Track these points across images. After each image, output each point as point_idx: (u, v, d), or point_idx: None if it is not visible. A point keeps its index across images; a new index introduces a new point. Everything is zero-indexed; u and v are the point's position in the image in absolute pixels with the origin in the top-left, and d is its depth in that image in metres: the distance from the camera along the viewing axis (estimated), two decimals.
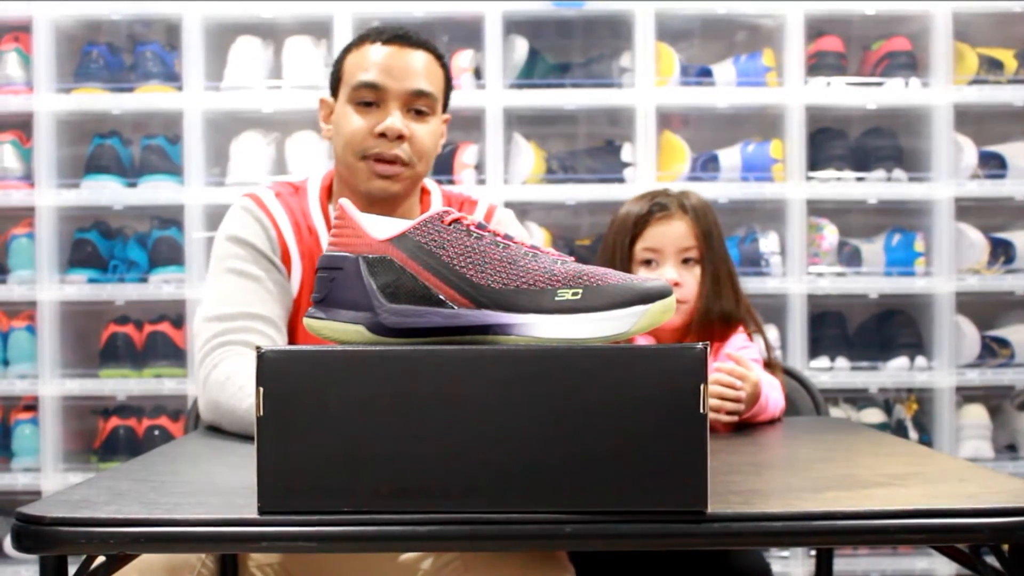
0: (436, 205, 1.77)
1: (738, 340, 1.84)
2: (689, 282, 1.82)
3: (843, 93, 2.88)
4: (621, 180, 2.85)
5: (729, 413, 1.64)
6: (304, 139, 2.90)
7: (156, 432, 2.79)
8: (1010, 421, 2.94)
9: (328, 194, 1.74)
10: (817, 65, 2.90)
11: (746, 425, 1.66)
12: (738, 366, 1.65)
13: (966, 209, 2.88)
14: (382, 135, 1.64)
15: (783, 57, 2.86)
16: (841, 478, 1.13)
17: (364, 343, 1.01)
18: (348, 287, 1.03)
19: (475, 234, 1.02)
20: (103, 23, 2.98)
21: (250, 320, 1.60)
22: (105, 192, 2.84)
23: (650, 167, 2.82)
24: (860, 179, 2.88)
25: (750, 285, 2.70)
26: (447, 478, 0.93)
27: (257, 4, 2.87)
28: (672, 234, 1.83)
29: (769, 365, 1.84)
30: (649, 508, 0.93)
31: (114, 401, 2.85)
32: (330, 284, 1.04)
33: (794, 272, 2.82)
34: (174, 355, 2.83)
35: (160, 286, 2.82)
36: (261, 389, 0.93)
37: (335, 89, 1.73)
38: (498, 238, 1.02)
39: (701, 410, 0.92)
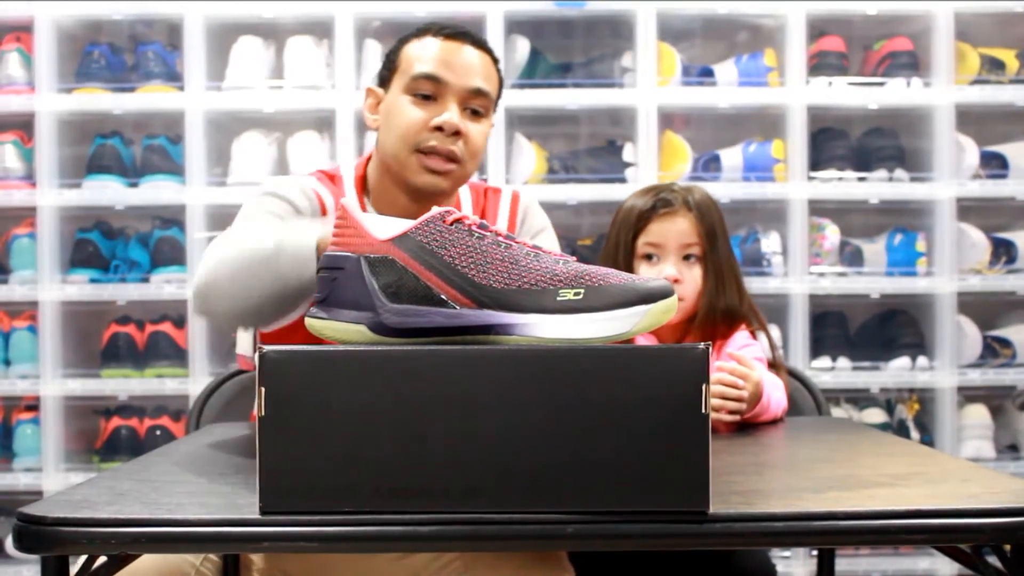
0: (464, 196, 1.75)
1: (740, 338, 1.83)
2: (689, 279, 1.82)
3: (845, 93, 2.88)
4: (623, 180, 2.85)
5: (731, 413, 1.64)
6: (305, 139, 2.89)
7: (158, 432, 2.79)
8: (1012, 421, 2.94)
9: (362, 184, 1.69)
10: (819, 65, 2.90)
11: (748, 425, 1.66)
12: (740, 365, 1.65)
13: (968, 209, 2.88)
14: (438, 128, 1.58)
15: (784, 57, 2.86)
16: (843, 478, 1.13)
17: (366, 343, 1.01)
18: (350, 287, 1.02)
19: (477, 234, 1.02)
20: (104, 23, 2.98)
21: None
22: (107, 192, 2.84)
23: (652, 167, 2.82)
24: (862, 179, 2.87)
25: (752, 285, 2.67)
26: (448, 478, 0.93)
27: (258, 4, 2.87)
28: (675, 230, 1.82)
29: (773, 364, 1.84)
30: (650, 508, 0.93)
31: (116, 401, 2.85)
32: (332, 284, 1.04)
33: (796, 272, 2.82)
34: (176, 355, 2.83)
35: (162, 286, 2.82)
36: (262, 389, 0.93)
37: (385, 80, 1.66)
38: (500, 238, 1.02)
39: (703, 410, 0.92)
